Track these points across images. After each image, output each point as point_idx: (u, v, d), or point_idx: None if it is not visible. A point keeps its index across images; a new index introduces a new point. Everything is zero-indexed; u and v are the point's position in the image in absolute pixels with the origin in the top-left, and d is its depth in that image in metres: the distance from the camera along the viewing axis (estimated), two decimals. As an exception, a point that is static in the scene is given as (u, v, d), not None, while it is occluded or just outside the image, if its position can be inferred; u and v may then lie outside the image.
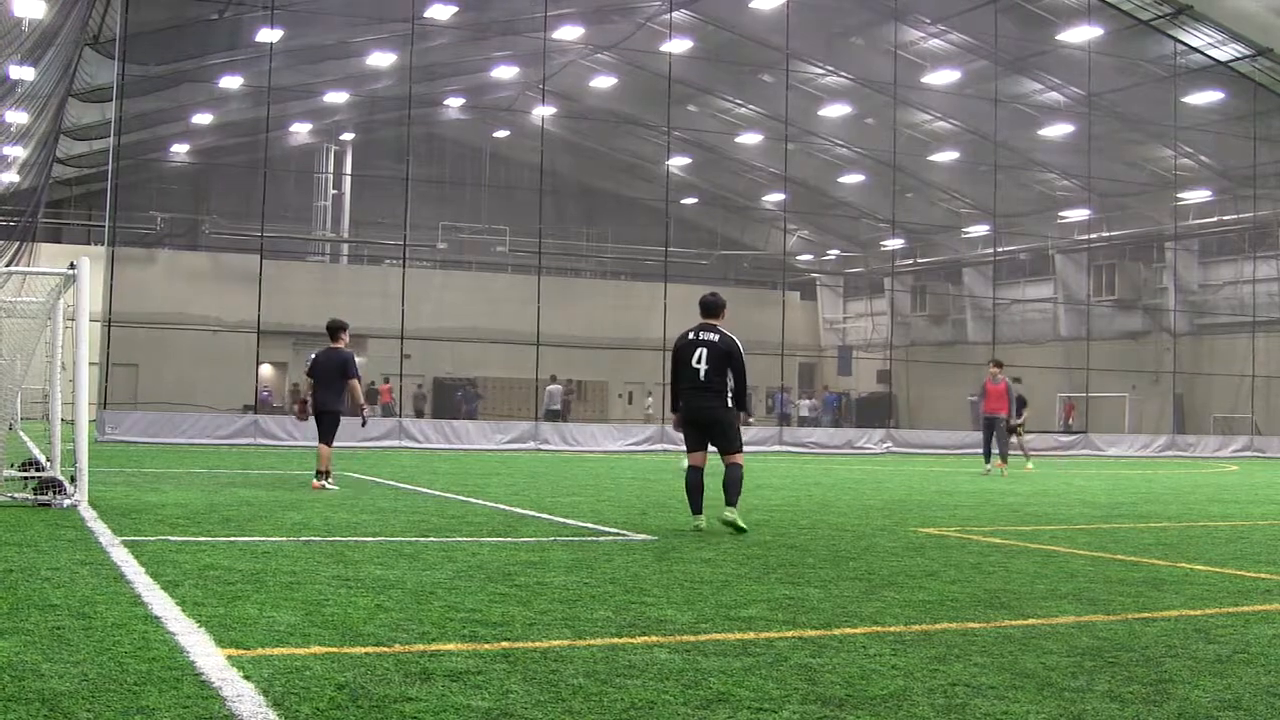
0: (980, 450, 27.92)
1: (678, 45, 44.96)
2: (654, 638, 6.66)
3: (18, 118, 39.44)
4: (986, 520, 14.96)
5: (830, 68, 50.09)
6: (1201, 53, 45.98)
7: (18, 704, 4.86)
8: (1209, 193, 52.35)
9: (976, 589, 8.85)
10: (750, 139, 56.02)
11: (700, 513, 12.63)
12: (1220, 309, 52.44)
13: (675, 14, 43.78)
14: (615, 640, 6.57)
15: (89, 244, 51.22)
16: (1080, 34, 45.20)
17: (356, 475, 20.81)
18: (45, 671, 5.40)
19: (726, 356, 12.64)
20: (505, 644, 6.36)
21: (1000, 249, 53.50)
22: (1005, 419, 26.95)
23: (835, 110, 52.41)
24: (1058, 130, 50.94)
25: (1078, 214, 53.55)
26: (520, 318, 41.15)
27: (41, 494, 13.45)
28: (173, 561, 9.10)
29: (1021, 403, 30.22)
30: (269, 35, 39.50)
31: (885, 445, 42.05)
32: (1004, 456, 27.06)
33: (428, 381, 50.92)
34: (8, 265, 40.15)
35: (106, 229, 37.34)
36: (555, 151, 46.99)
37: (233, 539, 10.76)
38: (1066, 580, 9.44)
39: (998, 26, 44.26)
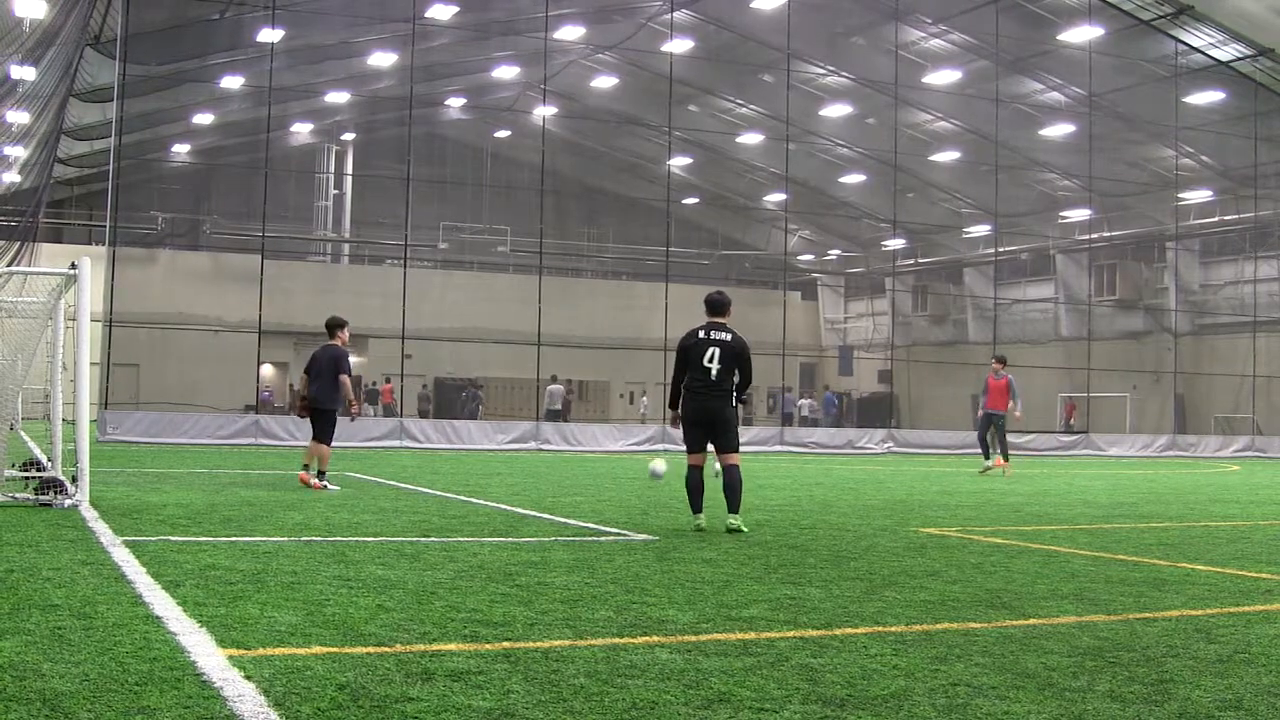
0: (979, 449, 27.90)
1: (679, 45, 44.95)
2: (655, 638, 6.66)
3: (19, 118, 39.48)
4: (988, 520, 14.96)
5: (831, 68, 50.08)
6: (1202, 53, 45.98)
7: (19, 704, 4.86)
8: (1210, 193, 52.33)
9: (978, 589, 8.85)
10: (751, 139, 56.03)
11: (700, 511, 12.65)
12: (1221, 309, 52.43)
13: (676, 14, 43.76)
14: (616, 640, 6.57)
15: (90, 244, 51.23)
16: (1081, 34, 45.19)
17: (357, 475, 20.80)
18: (46, 671, 5.40)
19: (738, 357, 12.66)
20: (506, 644, 6.36)
21: (1001, 249, 53.49)
22: (1005, 416, 26.92)
23: (836, 110, 52.40)
24: (1059, 130, 50.93)
25: (1079, 214, 53.52)
26: (521, 318, 41.15)
27: (43, 494, 13.45)
28: (174, 561, 9.10)
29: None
30: (270, 35, 39.51)
31: (886, 445, 42.04)
32: (1005, 455, 27.03)
33: (429, 382, 50.92)
34: (9, 265, 40.17)
35: (107, 229, 37.34)
36: (556, 151, 47.02)
37: (234, 539, 10.76)
38: (1068, 580, 9.44)
39: (999, 26, 44.26)
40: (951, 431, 44.01)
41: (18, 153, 46.62)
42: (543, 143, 42.32)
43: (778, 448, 39.93)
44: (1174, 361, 49.51)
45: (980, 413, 27.75)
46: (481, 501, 15.93)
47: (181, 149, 55.91)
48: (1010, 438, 40.16)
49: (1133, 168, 51.73)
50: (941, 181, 56.93)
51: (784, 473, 26.17)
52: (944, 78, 48.48)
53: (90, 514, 12.39)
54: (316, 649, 6.08)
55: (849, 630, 7.05)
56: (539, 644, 6.40)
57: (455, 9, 42.40)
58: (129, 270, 38.13)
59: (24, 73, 35.27)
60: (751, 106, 54.23)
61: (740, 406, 13.19)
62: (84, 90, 40.83)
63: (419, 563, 9.45)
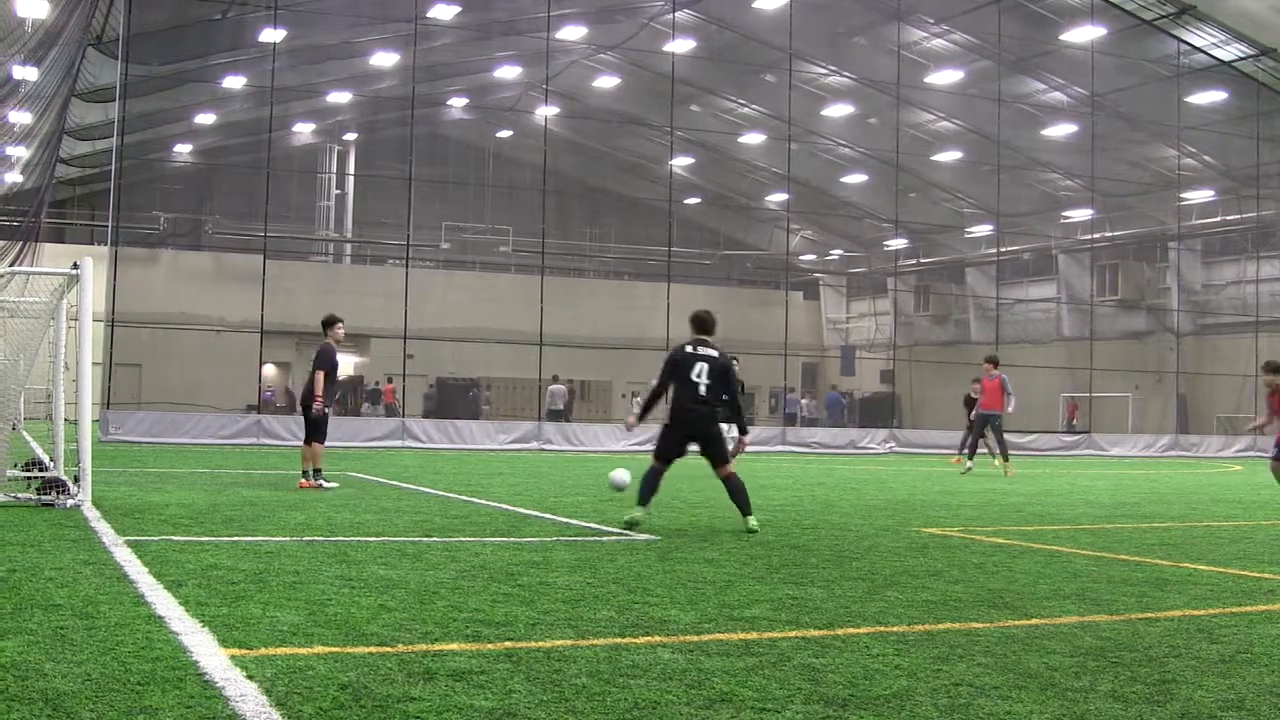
0: (978, 448, 27.92)
1: (680, 45, 44.94)
2: (657, 638, 6.66)
3: (21, 118, 39.48)
4: (990, 520, 14.96)
5: (833, 67, 50.06)
6: (1205, 52, 45.95)
7: (21, 704, 4.86)
8: (1212, 192, 52.29)
9: (980, 589, 8.85)
10: (753, 139, 56.03)
11: (646, 505, 12.84)
12: (1223, 309, 52.39)
13: (678, 14, 43.76)
14: (618, 640, 6.57)
15: (92, 244, 51.27)
16: (1083, 34, 45.16)
17: (360, 475, 20.81)
18: (48, 671, 5.41)
19: (725, 373, 12.94)
20: (508, 644, 6.36)
21: (1003, 249, 53.47)
22: (1001, 416, 26.93)
23: (838, 110, 52.38)
24: (1061, 130, 50.89)
25: (1081, 214, 53.48)
26: (523, 318, 41.13)
27: (45, 494, 13.47)
28: (176, 561, 9.10)
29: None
30: (272, 35, 39.49)
31: (888, 445, 42.03)
32: (1005, 455, 27.02)
33: (431, 381, 50.92)
34: (11, 265, 40.20)
35: (110, 229, 37.34)
36: (558, 151, 47.00)
37: (236, 539, 10.77)
38: (1070, 580, 9.44)
39: (1001, 26, 44.24)
40: (954, 431, 43.80)
41: (20, 153, 46.64)
42: (544, 143, 42.32)
43: (780, 447, 39.92)
44: (1176, 361, 49.49)
45: (975, 413, 27.75)
46: (483, 501, 15.93)
47: (183, 149, 55.89)
48: (1012, 437, 40.20)
49: (1135, 168, 51.70)
50: (943, 181, 56.90)
51: (786, 472, 26.16)
52: (946, 78, 48.46)
53: (92, 514, 12.40)
54: (319, 649, 6.09)
55: (851, 630, 7.05)
56: (541, 644, 6.41)
57: (457, 9, 42.39)
58: (131, 270, 38.13)
59: (26, 73, 35.29)
60: (753, 106, 54.23)
61: (743, 441, 14.04)
62: (86, 90, 40.85)
63: (421, 562, 9.45)
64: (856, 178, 59.15)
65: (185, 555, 9.52)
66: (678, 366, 12.91)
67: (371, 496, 16.19)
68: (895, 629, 7.13)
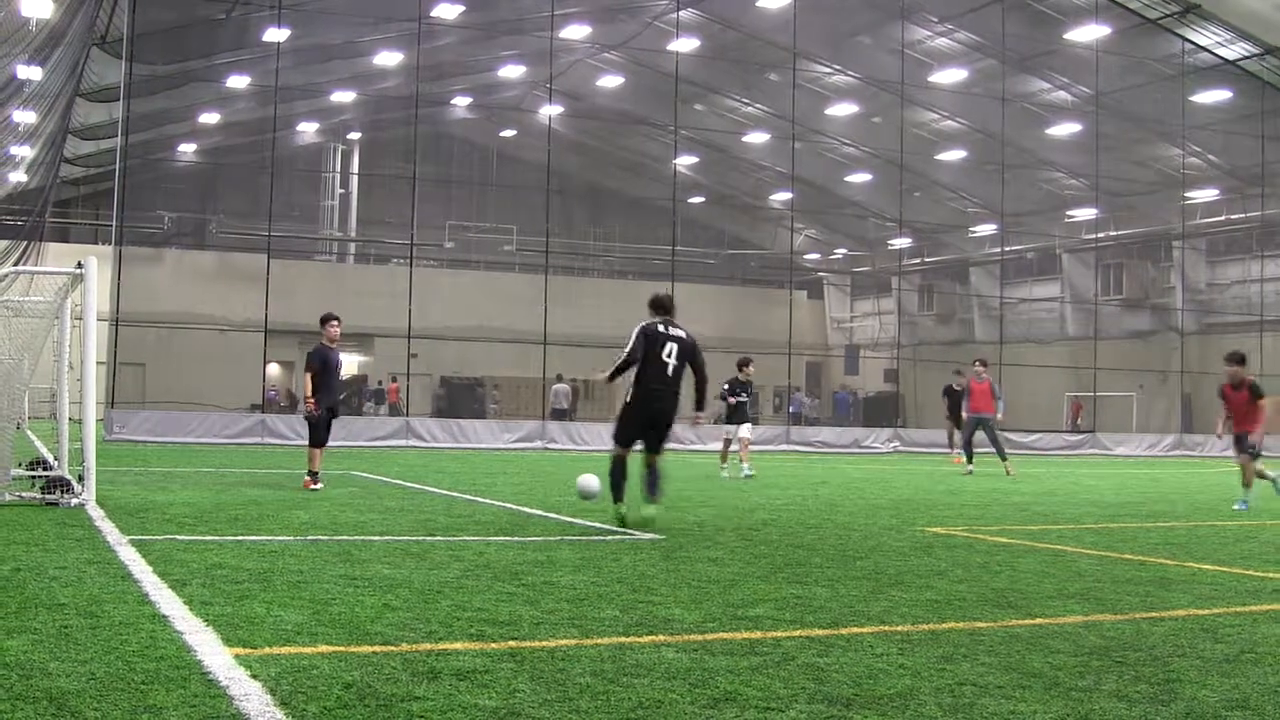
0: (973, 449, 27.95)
1: (684, 44, 44.97)
2: (661, 637, 6.66)
3: (26, 117, 39.53)
4: (994, 520, 14.95)
5: (837, 67, 50.06)
6: (1209, 51, 45.92)
7: (25, 703, 4.87)
8: (1217, 192, 52.27)
9: (984, 588, 8.85)
10: (757, 138, 56.04)
11: (622, 500, 12.74)
12: (1228, 308, 52.35)
13: (682, 13, 43.78)
14: (622, 639, 6.57)
15: (96, 243, 51.36)
16: (1088, 33, 45.14)
17: (364, 474, 20.81)
18: (53, 670, 5.41)
19: (692, 353, 12.85)
20: (512, 643, 6.36)
21: (1007, 248, 53.45)
22: (993, 418, 26.97)
23: (842, 109, 52.38)
24: (1065, 129, 50.86)
25: (1085, 213, 53.45)
26: (527, 317, 41.14)
27: (49, 493, 13.48)
28: (180, 560, 9.11)
29: (964, 397, 30.53)
30: (276, 35, 39.48)
31: (892, 445, 42.02)
32: (1003, 455, 27.03)
33: (434, 381, 50.94)
34: (15, 265, 40.23)
35: (114, 228, 37.37)
36: (562, 151, 46.99)
37: (240, 538, 10.77)
38: (1074, 580, 9.44)
39: (1005, 25, 44.23)
40: (958, 431, 43.94)
41: (25, 152, 46.67)
42: (548, 142, 42.32)
43: (784, 447, 39.92)
44: (1180, 361, 49.44)
45: (966, 416, 27.78)
46: (488, 500, 15.94)
47: (188, 148, 55.92)
48: (1016, 437, 40.20)
49: (1139, 167, 51.67)
50: (947, 181, 56.89)
51: (790, 472, 26.17)
52: (950, 77, 48.45)
53: (97, 513, 12.41)
54: (323, 648, 6.09)
55: (855, 630, 7.05)
56: (545, 643, 6.41)
57: (461, 8, 42.40)
58: (135, 270, 38.17)
59: (31, 72, 35.32)
60: (757, 105, 54.23)
61: (699, 415, 13.58)
62: (90, 90, 40.89)
63: (425, 562, 9.45)
64: (860, 177, 59.13)
65: (189, 554, 9.52)
66: (651, 341, 12.71)
67: (375, 496, 16.19)
68: (899, 628, 7.12)
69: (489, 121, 58.78)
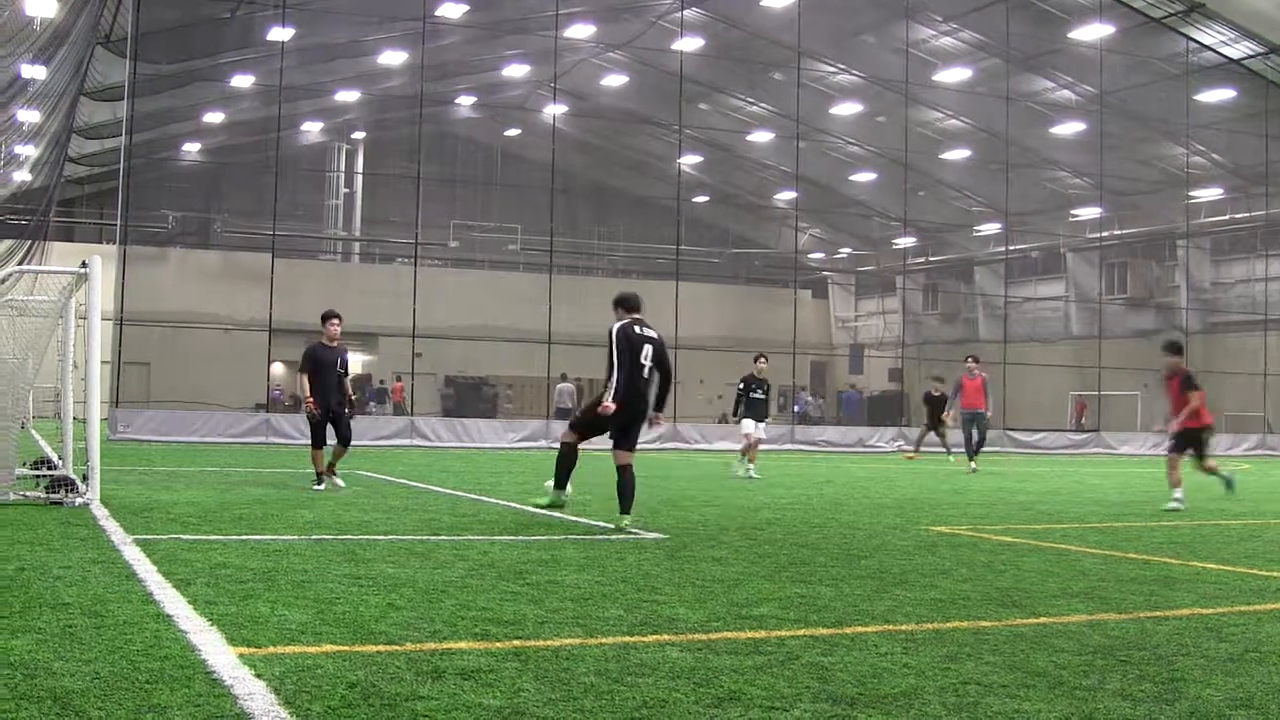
0: (963, 449, 28.05)
1: (689, 43, 44.97)
2: (665, 636, 6.66)
3: (30, 116, 39.55)
4: (998, 519, 14.95)
5: (841, 66, 50.05)
6: (1214, 50, 45.88)
7: (30, 702, 4.87)
8: (1221, 191, 52.25)
9: (988, 587, 8.84)
10: (761, 137, 56.03)
11: (564, 487, 12.75)
12: (1232, 307, 52.34)
13: (686, 12, 43.80)
14: (627, 639, 6.57)
15: (101, 242, 51.42)
16: (1092, 32, 45.10)
17: (368, 474, 20.82)
18: (57, 670, 5.42)
19: (663, 354, 12.75)
20: (517, 642, 6.36)
21: (1012, 247, 53.39)
22: (984, 414, 27.07)
23: (847, 108, 52.38)
24: (1069, 128, 50.84)
25: (1089, 212, 53.44)
26: (532, 316, 41.16)
27: (53, 492, 13.48)
28: (184, 560, 9.11)
29: (942, 401, 30.69)
30: (280, 34, 39.50)
31: (897, 444, 41.98)
32: (977, 452, 27.16)
33: (439, 380, 50.95)
34: (20, 264, 40.26)
35: (118, 227, 37.40)
36: (566, 150, 47.01)
37: (244, 538, 10.77)
38: (1078, 579, 9.43)
39: (1009, 24, 44.19)
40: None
41: (29, 151, 46.72)
42: (553, 141, 42.34)
43: (789, 446, 39.90)
44: (1184, 360, 49.31)
45: (958, 412, 27.88)
46: (492, 500, 15.94)
47: (192, 148, 56.00)
48: (1021, 435, 40.19)
49: (1144, 166, 51.62)
50: (952, 180, 56.85)
51: (794, 471, 26.17)
52: (954, 76, 48.42)
53: (101, 512, 12.42)
54: (327, 647, 6.09)
55: (859, 629, 7.05)
56: (549, 642, 6.41)
57: (465, 7, 42.43)
58: (140, 269, 38.18)
59: (35, 71, 35.34)
60: (762, 105, 54.21)
61: (658, 416, 13.28)
62: (95, 89, 40.90)
63: (429, 561, 9.45)
64: (865, 176, 59.14)
65: (193, 554, 9.52)
66: (632, 346, 12.51)
67: (380, 495, 16.20)
68: (903, 627, 7.12)
69: (493, 121, 58.79)
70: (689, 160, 54.57)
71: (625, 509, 12.46)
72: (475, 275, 56.84)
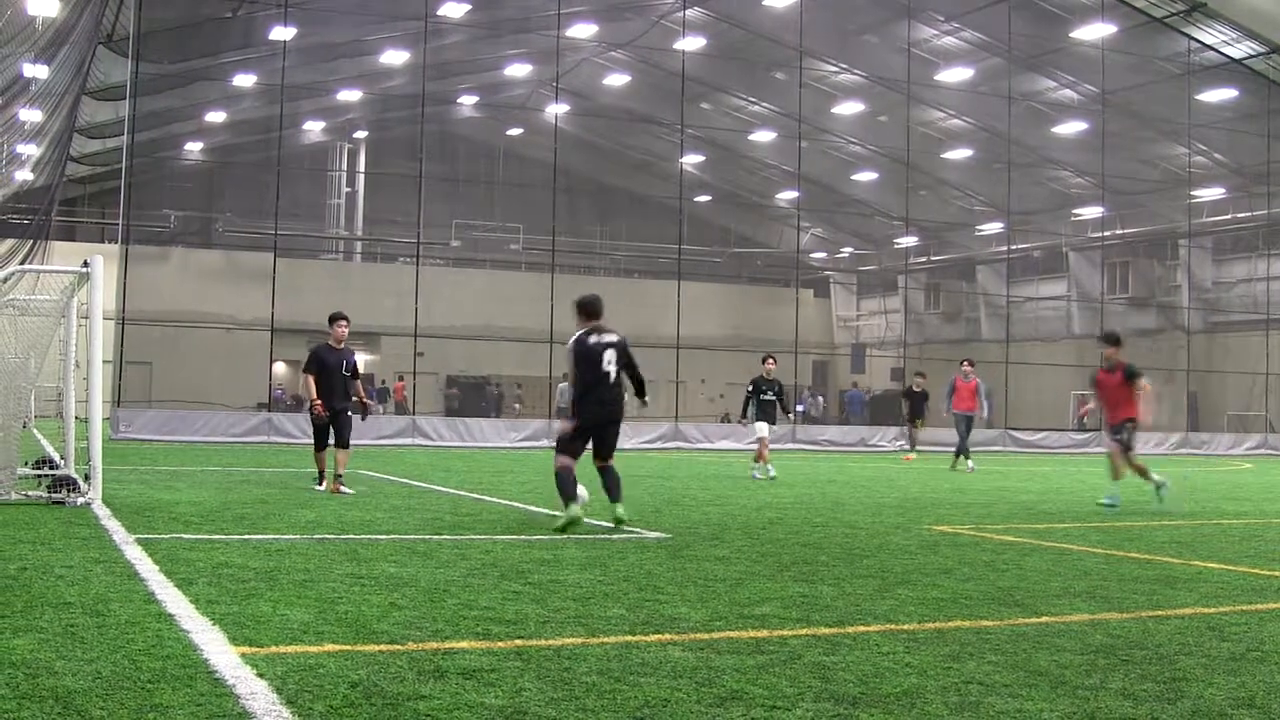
0: (957, 450, 28.09)
1: (691, 43, 45.00)
2: (667, 635, 6.66)
3: (32, 115, 39.54)
4: (1000, 518, 14.94)
5: (844, 65, 50.07)
6: (1215, 50, 45.88)
7: (31, 701, 4.87)
8: (1223, 190, 52.24)
9: (990, 587, 8.84)
10: (763, 136, 56.02)
11: (576, 500, 12.58)
12: (1234, 306, 52.33)
13: (688, 12, 43.83)
14: (629, 638, 6.57)
15: (103, 242, 51.42)
16: (1094, 31, 45.11)
17: (370, 473, 20.82)
18: (59, 669, 5.42)
19: (626, 355, 12.75)
20: (519, 642, 6.36)
21: (1014, 247, 53.40)
22: (976, 415, 27.21)
23: (849, 108, 52.40)
24: (1071, 128, 50.85)
25: (1091, 211, 53.45)
26: (533, 315, 41.13)
27: (55, 492, 13.49)
28: (186, 559, 9.11)
29: (923, 397, 30.89)
30: (282, 33, 39.52)
31: (899, 443, 41.94)
32: (964, 453, 27.26)
33: (441, 380, 50.96)
34: (22, 263, 40.27)
35: (120, 227, 37.41)
36: (569, 149, 47.01)
37: (246, 537, 10.77)
38: (1080, 578, 9.43)
39: (1011, 24, 44.22)
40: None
41: (31, 150, 46.73)
42: (555, 140, 42.34)
43: (791, 445, 39.87)
44: (1187, 359, 49.40)
45: (953, 413, 27.97)
46: (494, 499, 15.94)
47: (194, 147, 56.02)
48: (1023, 435, 40.22)
49: (1146, 165, 51.64)
50: (954, 179, 56.88)
51: (796, 470, 26.15)
52: (956, 75, 48.42)
53: (103, 512, 12.42)
54: (329, 647, 6.09)
55: (861, 628, 7.04)
56: (551, 642, 6.41)
57: (467, 7, 42.45)
58: (141, 268, 38.20)
59: (37, 71, 35.34)
60: (764, 104, 54.22)
61: (643, 403, 13.35)
62: (96, 88, 40.92)
63: (431, 560, 9.45)
64: (867, 175, 59.14)
65: (195, 553, 9.53)
66: (589, 355, 12.53)
67: (382, 494, 16.20)
68: (906, 627, 7.12)
69: (495, 120, 58.81)
70: (691, 160, 54.57)
71: (615, 497, 12.49)
72: (477, 275, 56.83)
